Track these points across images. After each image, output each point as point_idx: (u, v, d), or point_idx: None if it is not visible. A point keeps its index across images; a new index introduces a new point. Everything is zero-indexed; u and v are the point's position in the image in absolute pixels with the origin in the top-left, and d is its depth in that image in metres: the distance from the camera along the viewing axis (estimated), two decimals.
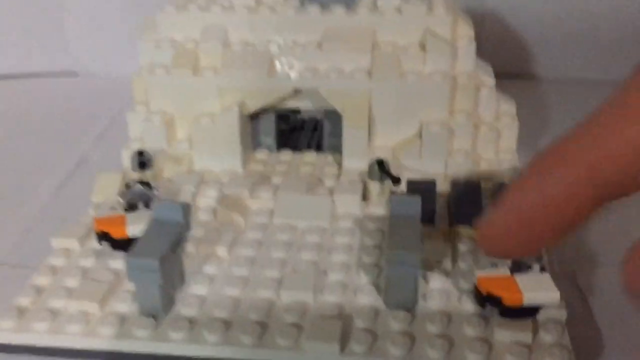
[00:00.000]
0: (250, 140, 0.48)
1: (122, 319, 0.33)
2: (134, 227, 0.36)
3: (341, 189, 0.42)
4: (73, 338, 0.32)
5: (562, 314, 0.32)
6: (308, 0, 0.46)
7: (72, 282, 0.36)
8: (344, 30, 0.45)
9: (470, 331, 0.31)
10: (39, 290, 0.35)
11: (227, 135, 0.45)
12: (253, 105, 0.45)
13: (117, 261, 0.37)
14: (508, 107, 0.47)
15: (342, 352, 0.31)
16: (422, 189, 0.38)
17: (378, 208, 0.41)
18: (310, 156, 0.48)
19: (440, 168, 0.44)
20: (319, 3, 0.46)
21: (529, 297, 0.31)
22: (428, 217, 0.38)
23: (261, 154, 0.48)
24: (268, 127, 0.49)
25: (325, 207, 0.41)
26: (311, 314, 0.33)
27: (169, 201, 0.37)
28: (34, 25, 0.69)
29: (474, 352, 0.30)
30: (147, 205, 0.38)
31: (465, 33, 0.45)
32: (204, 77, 0.45)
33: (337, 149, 0.48)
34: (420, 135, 0.44)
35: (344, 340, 0.31)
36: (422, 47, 0.44)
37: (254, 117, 0.48)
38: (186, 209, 0.34)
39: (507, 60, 0.65)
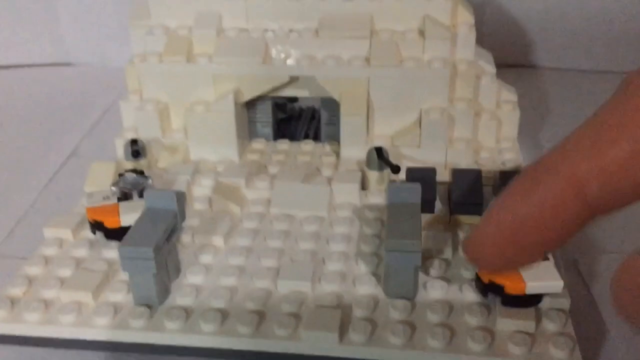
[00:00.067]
0: (247, 129, 0.48)
1: (117, 309, 0.32)
2: (128, 216, 0.36)
3: (339, 178, 0.41)
4: (66, 328, 0.32)
5: (566, 303, 0.31)
6: None
7: (65, 272, 0.35)
8: (341, 17, 0.44)
9: (472, 320, 0.31)
10: (30, 280, 0.34)
11: (222, 123, 0.44)
12: (248, 93, 0.45)
13: (111, 251, 0.36)
14: (509, 95, 0.46)
15: (341, 341, 0.30)
16: (422, 177, 0.38)
17: (377, 197, 0.40)
18: (307, 145, 0.47)
19: (440, 157, 0.43)
20: None
21: (532, 286, 0.30)
22: (428, 205, 0.38)
23: (258, 144, 0.48)
24: (265, 116, 0.48)
25: (323, 197, 0.40)
26: (309, 304, 0.32)
27: (162, 190, 0.36)
28: (28, 15, 0.68)
29: (475, 341, 0.29)
30: (141, 194, 0.37)
31: (466, 20, 0.44)
32: (198, 64, 0.44)
33: (334, 138, 0.47)
34: (419, 123, 0.43)
35: (343, 330, 0.30)
36: (421, 33, 0.43)
37: (250, 106, 0.47)
38: (180, 197, 0.33)
39: (508, 50, 0.65)
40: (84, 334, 0.32)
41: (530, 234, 0.23)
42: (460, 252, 0.35)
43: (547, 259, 0.32)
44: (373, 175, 0.41)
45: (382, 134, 0.44)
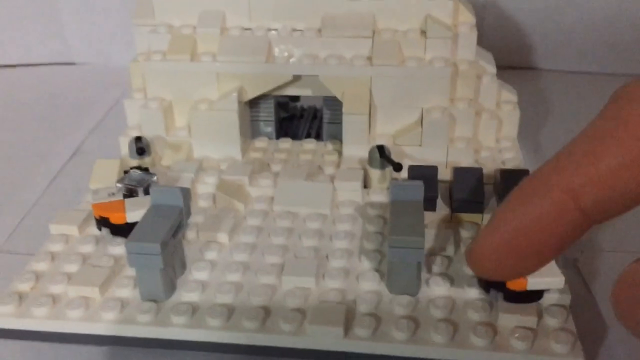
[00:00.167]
0: (250, 128, 0.48)
1: (123, 304, 0.32)
2: (134, 212, 0.36)
3: (342, 176, 0.41)
4: (73, 323, 0.32)
5: (567, 298, 0.32)
6: None
7: (71, 267, 0.35)
8: (343, 17, 0.44)
9: (474, 316, 0.31)
10: (38, 276, 0.35)
11: (225, 122, 0.45)
12: (252, 92, 0.45)
13: (117, 247, 0.36)
14: (509, 96, 0.47)
15: (346, 336, 0.30)
16: (424, 175, 0.38)
17: (379, 195, 0.41)
18: (309, 144, 0.48)
19: (441, 155, 0.44)
20: None
21: (534, 282, 0.30)
22: (430, 203, 0.38)
23: (260, 142, 0.48)
24: (268, 115, 0.48)
25: (326, 194, 0.40)
26: (314, 299, 0.33)
27: (168, 186, 0.36)
28: (31, 14, 0.68)
29: (478, 336, 0.30)
30: (146, 191, 0.38)
31: (467, 20, 0.44)
32: (202, 63, 0.45)
33: (336, 137, 0.47)
34: (421, 122, 0.44)
35: (347, 325, 0.31)
36: (423, 33, 0.44)
37: (253, 105, 0.48)
38: (185, 194, 0.34)
39: (508, 52, 0.65)
40: (91, 328, 0.32)
41: (529, 244, 0.24)
42: (462, 249, 0.36)
43: None
44: (375, 174, 0.41)
45: (383, 133, 0.45)
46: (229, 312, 0.32)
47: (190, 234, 0.37)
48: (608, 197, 0.22)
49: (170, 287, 0.33)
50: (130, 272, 0.34)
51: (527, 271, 0.26)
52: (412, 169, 0.40)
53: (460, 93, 0.44)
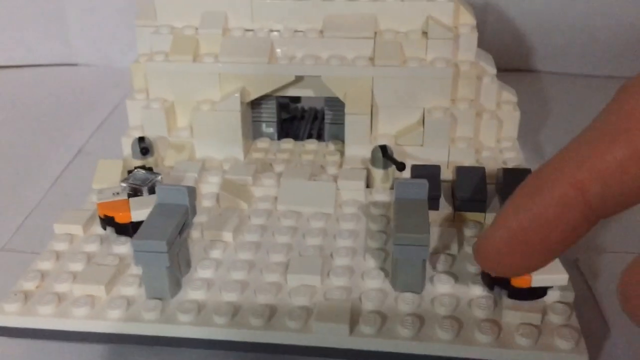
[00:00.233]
0: (251, 128, 0.48)
1: (129, 302, 0.33)
2: (139, 211, 0.36)
3: (345, 176, 0.42)
4: (79, 321, 0.32)
5: (570, 296, 0.32)
6: None
7: (76, 266, 0.35)
8: (345, 18, 0.45)
9: (479, 313, 0.31)
10: (43, 275, 0.35)
11: (228, 122, 0.45)
12: (254, 93, 0.45)
13: (122, 246, 0.37)
14: (509, 96, 0.47)
15: (352, 333, 0.31)
16: (427, 174, 0.38)
17: (382, 195, 0.41)
18: (311, 144, 0.48)
19: (443, 155, 0.44)
20: None
21: (538, 279, 0.31)
22: (433, 202, 0.38)
23: (262, 143, 0.48)
24: (269, 116, 0.49)
25: (329, 193, 0.40)
26: (319, 297, 0.33)
27: (173, 184, 0.37)
28: (34, 16, 0.69)
29: (483, 333, 0.30)
30: (151, 190, 0.38)
31: (468, 21, 0.45)
32: (204, 63, 0.45)
33: (338, 138, 0.48)
34: (422, 122, 0.44)
35: (353, 322, 0.31)
36: (424, 34, 0.44)
37: (254, 106, 0.48)
38: (191, 192, 0.34)
39: (509, 54, 0.66)
40: (97, 326, 0.32)
41: (536, 238, 0.24)
42: (466, 248, 0.36)
43: None
44: (378, 173, 0.42)
45: (385, 133, 0.45)
46: (235, 310, 0.32)
47: (195, 233, 0.38)
48: (615, 190, 0.22)
49: (176, 285, 0.33)
50: (136, 270, 0.34)
51: (535, 266, 0.26)
52: (414, 168, 0.40)
53: (461, 93, 0.45)
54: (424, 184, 0.34)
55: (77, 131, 0.56)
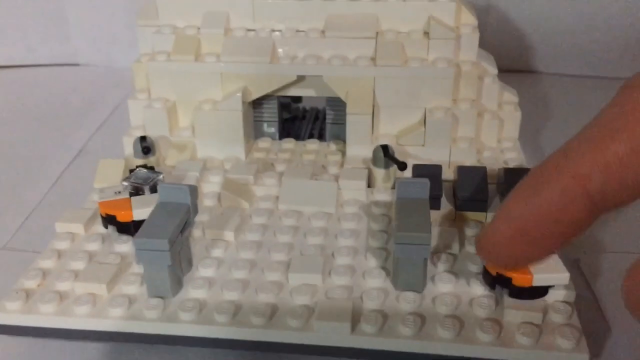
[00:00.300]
0: (253, 128, 0.48)
1: (131, 301, 0.33)
2: (140, 210, 0.36)
3: (346, 176, 0.42)
4: (80, 319, 0.32)
5: (572, 295, 0.32)
6: None
7: (78, 265, 0.35)
8: (347, 18, 0.45)
9: (480, 312, 0.31)
10: (44, 273, 0.35)
11: (229, 122, 0.45)
12: (256, 92, 0.45)
13: (123, 245, 0.37)
14: (510, 97, 0.47)
15: (353, 332, 0.31)
16: (428, 174, 0.38)
17: (383, 194, 0.41)
18: (312, 144, 0.48)
19: (444, 155, 0.44)
20: None
21: (539, 278, 0.31)
22: (434, 202, 0.38)
23: (263, 142, 0.48)
24: (271, 116, 0.49)
25: (331, 193, 0.40)
26: (321, 296, 0.33)
27: (175, 183, 0.37)
28: (36, 16, 0.69)
29: (484, 332, 0.30)
30: (152, 189, 0.38)
31: (469, 21, 0.45)
32: (206, 63, 0.45)
33: (339, 138, 0.48)
34: (424, 122, 0.44)
35: (354, 321, 0.31)
36: (426, 34, 0.44)
37: (256, 105, 0.48)
38: (193, 191, 0.34)
39: (510, 55, 0.66)
40: (98, 325, 0.32)
41: (538, 230, 0.24)
42: (467, 247, 0.36)
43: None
44: (379, 173, 0.42)
45: (387, 133, 0.45)
46: (236, 308, 0.32)
47: (196, 232, 0.38)
48: (616, 183, 0.22)
49: (178, 283, 0.33)
50: (137, 269, 0.35)
51: (536, 258, 0.26)
52: (416, 168, 0.40)
53: (463, 94, 0.45)
54: (425, 183, 0.34)
55: (78, 131, 0.56)
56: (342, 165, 0.44)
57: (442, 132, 0.43)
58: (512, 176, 0.39)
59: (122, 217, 0.36)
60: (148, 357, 0.32)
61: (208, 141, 0.45)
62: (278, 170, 0.44)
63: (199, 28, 0.46)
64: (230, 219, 0.38)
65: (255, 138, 0.49)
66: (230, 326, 0.31)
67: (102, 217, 0.37)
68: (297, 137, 0.50)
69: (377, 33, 0.44)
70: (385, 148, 0.41)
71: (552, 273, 0.31)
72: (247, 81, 0.45)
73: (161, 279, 0.32)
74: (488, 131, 0.46)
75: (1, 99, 0.64)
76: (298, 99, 0.52)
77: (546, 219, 0.24)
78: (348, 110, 0.44)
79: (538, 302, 0.31)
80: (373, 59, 0.44)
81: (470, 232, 0.37)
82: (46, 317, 0.32)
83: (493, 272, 0.32)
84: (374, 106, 0.44)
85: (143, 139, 0.43)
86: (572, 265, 0.38)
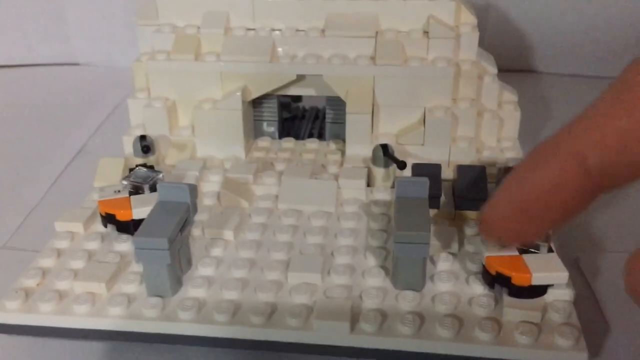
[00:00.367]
0: (253, 127, 0.48)
1: (130, 300, 0.33)
2: (140, 209, 0.36)
3: (346, 175, 0.42)
4: (80, 318, 0.32)
5: (570, 294, 0.32)
6: None
7: (77, 264, 0.35)
8: (347, 17, 0.45)
9: (479, 311, 0.32)
10: (44, 272, 0.35)
11: (229, 121, 0.45)
12: (255, 92, 0.45)
13: (123, 244, 0.37)
14: (510, 96, 0.47)
15: (352, 331, 0.31)
16: (428, 173, 0.38)
17: (383, 193, 0.41)
18: (312, 144, 0.48)
19: (444, 155, 0.44)
20: None
21: (538, 277, 0.31)
22: (433, 201, 0.38)
23: (263, 142, 0.48)
24: (271, 115, 0.49)
25: (330, 192, 0.41)
26: (320, 295, 0.33)
27: (175, 182, 0.37)
28: (35, 15, 0.69)
29: (483, 331, 0.30)
30: (152, 188, 0.38)
31: (469, 20, 0.45)
32: (206, 62, 0.45)
33: (339, 137, 0.48)
34: (423, 121, 0.44)
35: (353, 320, 0.31)
36: (426, 33, 0.44)
37: (256, 105, 0.48)
38: (192, 190, 0.34)
39: (509, 55, 0.66)
40: (98, 324, 0.32)
41: (536, 206, 0.24)
42: (466, 246, 0.36)
43: (551, 250, 0.33)
44: (379, 172, 0.42)
45: (386, 132, 0.45)
46: (235, 307, 0.32)
47: (196, 231, 0.38)
48: (615, 160, 0.22)
49: (177, 282, 0.33)
50: (137, 268, 0.35)
51: (534, 235, 0.26)
52: (415, 167, 0.40)
53: (463, 93, 0.45)
54: (424, 182, 0.34)
55: (78, 130, 0.56)
56: (341, 164, 0.44)
57: (442, 131, 0.43)
58: None
59: (121, 216, 0.36)
60: (147, 356, 0.32)
61: (208, 140, 0.46)
62: (278, 170, 0.44)
63: (198, 27, 0.46)
64: (229, 218, 0.38)
65: (255, 137, 0.49)
66: (229, 325, 0.31)
67: (102, 216, 0.37)
68: (297, 137, 0.50)
69: (376, 32, 0.44)
70: (384, 147, 0.41)
71: (551, 272, 0.31)
72: (247, 80, 0.45)
73: (160, 277, 0.32)
74: (488, 130, 0.46)
75: (1, 98, 0.64)
76: (298, 98, 0.52)
77: (545, 195, 0.24)
78: (348, 109, 0.44)
79: (537, 301, 0.31)
80: (373, 58, 0.44)
81: (469, 231, 0.37)
82: (45, 316, 0.32)
83: (492, 271, 0.32)
84: (373, 105, 0.44)
85: (143, 138, 0.43)
86: (572, 264, 0.38)
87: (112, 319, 0.32)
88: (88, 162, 0.48)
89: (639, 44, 0.64)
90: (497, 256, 0.32)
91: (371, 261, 0.35)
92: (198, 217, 0.38)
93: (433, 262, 0.35)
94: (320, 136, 0.50)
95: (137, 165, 0.40)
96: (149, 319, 0.32)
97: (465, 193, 0.39)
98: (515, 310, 0.31)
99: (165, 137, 0.46)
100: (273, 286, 0.33)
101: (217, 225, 0.38)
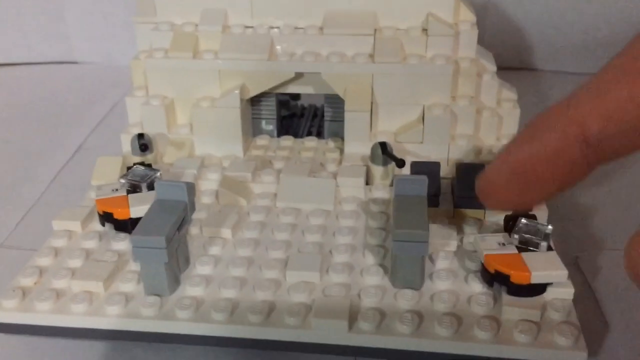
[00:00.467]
0: (251, 125, 0.48)
1: (128, 299, 0.32)
2: (138, 208, 0.36)
3: (344, 173, 0.42)
4: (77, 317, 0.32)
5: (570, 292, 0.32)
6: None
7: (75, 262, 0.35)
8: (345, 14, 0.44)
9: (478, 309, 0.31)
10: (41, 271, 0.35)
11: (227, 119, 0.45)
12: (254, 90, 0.45)
13: (120, 243, 0.37)
14: (509, 94, 0.47)
15: (351, 330, 0.31)
16: (427, 171, 0.38)
17: (381, 192, 0.41)
18: (311, 142, 0.48)
19: (443, 153, 0.44)
20: None
21: (537, 275, 0.31)
22: (432, 199, 0.38)
23: (262, 140, 0.48)
24: (269, 113, 0.48)
25: (329, 190, 0.40)
26: (318, 294, 0.33)
27: (173, 181, 0.37)
28: (35, 14, 0.69)
29: (482, 329, 0.30)
30: (150, 187, 0.38)
31: (468, 18, 0.45)
32: (204, 60, 0.45)
33: (337, 135, 0.48)
34: (422, 119, 0.44)
35: (352, 319, 0.31)
36: (424, 31, 0.44)
37: (254, 103, 0.48)
38: (190, 189, 0.34)
39: (508, 53, 0.66)
40: (95, 323, 0.32)
41: (534, 172, 0.25)
42: (465, 245, 0.36)
43: (550, 248, 0.32)
44: (377, 170, 0.42)
45: (385, 130, 0.45)
46: (233, 306, 0.32)
47: (194, 230, 0.38)
48: (614, 129, 0.22)
49: (175, 281, 0.33)
50: (134, 267, 0.34)
51: (531, 202, 0.26)
52: (414, 165, 0.40)
53: (462, 90, 0.45)
54: (423, 180, 0.34)
55: (76, 128, 0.56)
56: (340, 162, 0.44)
57: (441, 129, 0.43)
58: None
59: (119, 214, 0.36)
60: (145, 355, 0.32)
61: (206, 138, 0.45)
62: (276, 168, 0.44)
63: (196, 25, 0.46)
64: (227, 216, 0.38)
65: (253, 135, 0.49)
66: (227, 324, 0.31)
67: (99, 214, 0.37)
68: (296, 135, 0.49)
69: (375, 30, 0.44)
70: (383, 145, 0.41)
71: (550, 270, 0.31)
72: (245, 78, 0.45)
73: (158, 276, 0.32)
74: (487, 128, 0.46)
75: (0, 97, 0.64)
76: (296, 96, 0.52)
77: (541, 161, 0.24)
78: (346, 107, 0.44)
79: (536, 300, 0.31)
80: (371, 56, 0.44)
81: (468, 229, 0.37)
82: (43, 315, 0.32)
83: (491, 270, 0.32)
84: (372, 103, 0.44)
85: (141, 136, 0.43)
86: (571, 262, 0.38)
87: (110, 318, 0.32)
88: (86, 161, 0.48)
89: None
90: (496, 254, 0.32)
91: (370, 260, 0.35)
92: (196, 216, 0.38)
93: (432, 261, 0.35)
94: (319, 134, 0.50)
95: (134, 164, 0.40)
96: (147, 318, 0.32)
97: (465, 191, 0.38)
98: (514, 309, 0.31)
99: (163, 135, 0.46)
100: (271, 285, 0.33)
101: (215, 224, 0.38)
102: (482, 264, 0.32)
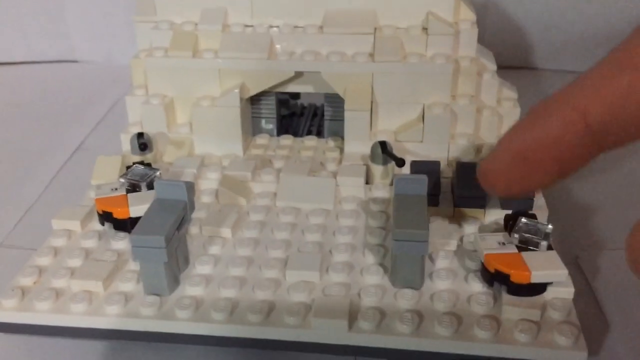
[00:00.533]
0: (251, 125, 0.48)
1: (127, 298, 0.32)
2: (137, 207, 0.36)
3: (344, 172, 0.42)
4: (77, 317, 0.32)
5: (570, 292, 0.32)
6: None
7: (74, 262, 0.35)
8: (345, 13, 0.44)
9: (478, 309, 0.31)
10: (41, 270, 0.35)
11: (227, 118, 0.45)
12: (254, 89, 0.45)
13: (120, 242, 0.36)
14: (509, 93, 0.47)
15: (351, 329, 0.31)
16: (426, 170, 0.38)
17: (381, 191, 0.41)
18: (311, 141, 0.48)
19: (443, 152, 0.44)
20: None
21: (537, 275, 0.31)
22: (432, 198, 0.38)
23: (261, 139, 0.48)
24: (269, 112, 0.48)
25: (328, 190, 0.40)
26: (318, 293, 0.33)
27: (172, 180, 0.36)
28: (35, 13, 0.69)
29: (482, 329, 0.30)
30: (149, 186, 0.38)
31: (468, 17, 0.45)
32: (204, 59, 0.45)
33: (337, 134, 0.48)
34: (422, 118, 0.44)
35: (352, 318, 0.31)
36: (424, 30, 0.44)
37: (254, 102, 0.48)
38: (190, 188, 0.34)
39: (509, 52, 0.66)
40: (95, 322, 0.32)
41: (535, 157, 0.25)
42: (465, 244, 0.36)
43: (551, 248, 0.32)
44: (377, 169, 0.42)
45: (385, 129, 0.45)
46: (233, 306, 0.32)
47: (193, 229, 0.38)
48: (616, 116, 0.22)
49: (174, 281, 0.33)
50: (134, 266, 0.34)
51: (533, 187, 0.26)
52: (414, 164, 0.40)
53: (462, 89, 0.44)
54: (423, 179, 0.34)
55: (76, 127, 0.56)
56: (340, 161, 0.44)
57: (441, 128, 0.43)
58: None
59: (118, 214, 0.36)
60: (144, 355, 0.32)
61: (206, 138, 0.45)
62: (276, 167, 0.44)
63: (196, 24, 0.46)
64: (227, 215, 0.38)
65: (253, 134, 0.49)
66: (227, 323, 0.31)
67: (99, 214, 0.37)
68: (295, 134, 0.49)
69: (375, 29, 0.44)
70: (383, 144, 0.41)
71: (550, 270, 0.31)
72: (245, 77, 0.45)
73: (158, 276, 0.32)
74: (487, 127, 0.46)
75: (0, 96, 0.64)
76: (296, 96, 0.52)
77: (543, 146, 0.24)
78: (346, 106, 0.43)
79: (536, 299, 0.31)
80: (371, 55, 0.44)
81: (468, 228, 0.37)
82: (42, 314, 0.32)
83: (491, 269, 0.32)
84: (372, 102, 0.44)
85: (140, 135, 0.43)
86: (571, 262, 0.38)
87: (109, 318, 0.32)
88: (86, 160, 0.48)
89: None
90: (496, 254, 0.32)
91: (370, 259, 0.35)
92: (196, 215, 0.38)
93: (432, 260, 0.35)
94: (319, 133, 0.50)
95: (134, 163, 0.40)
96: (146, 318, 0.32)
97: (465, 190, 0.38)
98: (514, 308, 0.31)
99: (163, 134, 0.46)
100: (271, 284, 0.33)
101: (215, 223, 0.38)
102: (482, 264, 0.32)
